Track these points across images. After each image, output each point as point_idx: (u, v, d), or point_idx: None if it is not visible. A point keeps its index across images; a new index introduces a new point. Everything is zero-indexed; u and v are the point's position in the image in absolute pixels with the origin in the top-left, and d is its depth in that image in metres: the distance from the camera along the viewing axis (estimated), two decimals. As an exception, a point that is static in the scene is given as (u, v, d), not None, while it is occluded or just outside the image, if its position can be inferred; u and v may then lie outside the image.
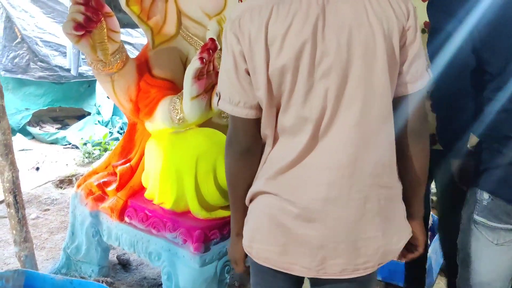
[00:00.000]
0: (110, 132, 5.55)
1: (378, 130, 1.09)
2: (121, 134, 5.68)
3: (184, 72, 2.13)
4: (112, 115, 5.94)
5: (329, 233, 1.09)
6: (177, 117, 1.93)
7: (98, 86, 5.91)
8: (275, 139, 1.14)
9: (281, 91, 1.06)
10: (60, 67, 5.51)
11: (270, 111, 1.10)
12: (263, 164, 1.17)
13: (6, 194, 1.90)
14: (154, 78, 2.11)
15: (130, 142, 2.37)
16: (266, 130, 1.13)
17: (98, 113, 6.01)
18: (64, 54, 5.49)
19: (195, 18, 2.20)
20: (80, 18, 1.78)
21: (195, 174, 1.87)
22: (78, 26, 1.78)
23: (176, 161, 1.89)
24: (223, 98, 1.13)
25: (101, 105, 6.02)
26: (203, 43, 2.16)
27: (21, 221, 1.94)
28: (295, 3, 1.03)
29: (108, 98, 5.96)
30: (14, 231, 1.96)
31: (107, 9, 1.87)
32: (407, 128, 1.16)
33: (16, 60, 5.33)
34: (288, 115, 1.08)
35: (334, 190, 1.07)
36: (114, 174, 2.30)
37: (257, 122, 1.13)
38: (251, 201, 1.20)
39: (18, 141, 5.23)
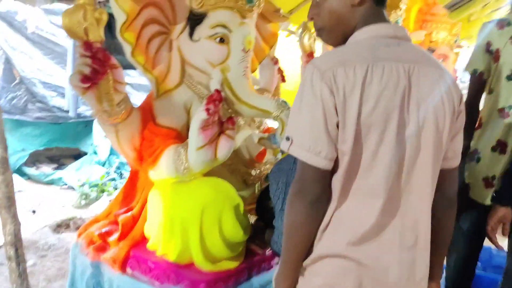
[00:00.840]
0: (107, 173, 5.53)
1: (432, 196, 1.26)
2: (118, 174, 5.66)
3: (188, 121, 2.15)
4: (109, 155, 5.92)
5: None
6: (182, 167, 1.92)
7: (96, 126, 5.93)
8: (342, 197, 1.17)
9: (366, 148, 1.13)
10: (58, 108, 5.53)
11: (350, 167, 1.14)
12: (328, 223, 1.18)
13: (8, 247, 1.86)
14: (158, 126, 2.10)
15: (132, 190, 2.35)
16: (334, 184, 1.17)
17: (95, 152, 6.00)
18: (62, 95, 5.52)
19: (199, 67, 2.22)
20: (87, 70, 1.79)
21: (200, 225, 1.84)
22: (85, 78, 1.79)
23: (181, 212, 1.87)
24: (300, 145, 1.15)
25: (98, 145, 6.01)
26: (207, 91, 2.18)
27: (22, 275, 1.90)
28: (387, 67, 1.13)
29: (106, 137, 5.98)
30: (14, 285, 1.92)
31: (113, 60, 1.89)
32: (442, 194, 1.30)
33: (14, 101, 5.36)
34: (371, 174, 1.13)
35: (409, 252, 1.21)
36: (116, 223, 2.26)
37: (328, 173, 1.17)
38: (315, 261, 1.20)
39: (14, 182, 5.17)
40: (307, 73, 1.17)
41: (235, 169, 2.25)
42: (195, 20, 2.14)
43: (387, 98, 1.11)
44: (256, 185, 2.29)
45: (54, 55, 5.72)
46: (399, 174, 1.15)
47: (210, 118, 1.82)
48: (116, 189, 5.08)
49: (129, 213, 2.22)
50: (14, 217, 1.85)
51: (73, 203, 4.67)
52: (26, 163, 5.74)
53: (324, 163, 1.13)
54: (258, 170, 2.33)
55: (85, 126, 6.10)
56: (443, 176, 1.27)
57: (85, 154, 6.17)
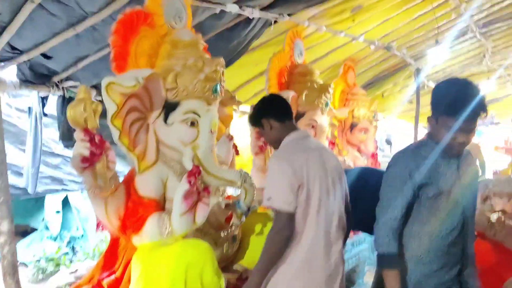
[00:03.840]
0: (59, 247, 5.59)
1: None
2: (70, 248, 5.73)
3: (165, 192, 2.52)
4: (61, 230, 6.00)
5: None
6: (166, 231, 2.27)
7: (47, 202, 6.02)
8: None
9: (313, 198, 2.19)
10: (12, 186, 5.59)
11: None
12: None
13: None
14: (141, 198, 2.45)
15: (114, 255, 2.62)
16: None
17: (47, 228, 6.05)
18: (15, 173, 5.62)
19: (172, 146, 2.60)
20: (86, 153, 2.15)
21: (184, 281, 2.17)
22: (84, 159, 2.14)
23: (168, 271, 2.19)
24: (277, 199, 2.10)
25: (49, 220, 6.08)
26: (179, 166, 2.57)
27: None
28: (312, 153, 2.27)
29: (58, 212, 6.07)
30: None
31: (108, 144, 2.25)
32: None
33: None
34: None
35: None
36: (100, 286, 2.52)
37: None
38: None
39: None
40: (275, 159, 2.22)
41: (207, 232, 2.61)
42: (169, 107, 2.56)
43: (318, 169, 2.15)
44: (225, 245, 2.66)
45: (9, 134, 5.85)
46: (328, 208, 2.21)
47: (191, 189, 2.21)
48: (72, 261, 5.16)
49: (113, 276, 2.50)
50: (17, 284, 2.09)
51: (29, 278, 4.71)
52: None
53: (292, 209, 2.07)
54: (226, 232, 2.70)
55: (35, 202, 6.17)
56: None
57: (33, 230, 6.19)
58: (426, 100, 7.19)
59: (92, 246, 5.73)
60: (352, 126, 5.13)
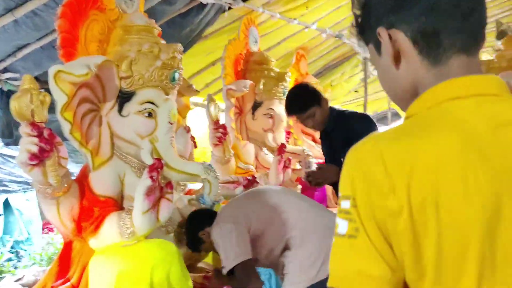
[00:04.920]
0: (1, 253, 5.23)
1: None
2: (13, 253, 5.39)
3: (122, 189, 2.34)
4: (2, 234, 5.62)
5: None
6: (127, 232, 2.10)
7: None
8: None
9: None
10: None
11: None
12: None
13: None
14: (96, 196, 2.26)
15: (67, 261, 2.41)
16: None
17: (-14, 234, 5.65)
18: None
19: (128, 139, 2.42)
20: (35, 149, 1.93)
21: (150, 283, 2.01)
22: (33, 156, 1.93)
23: (132, 273, 2.02)
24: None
25: (-11, 226, 5.69)
26: (136, 161, 2.40)
27: None
28: None
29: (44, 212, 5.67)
30: None
31: (58, 139, 2.05)
32: None
33: None
34: None
35: None
36: (53, 294, 2.31)
37: None
38: None
39: None
40: (227, 227, 2.25)
41: (170, 229, 2.45)
42: (124, 98, 2.38)
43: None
44: (189, 243, 2.51)
45: None
46: None
47: (153, 184, 2.05)
48: (16, 268, 4.84)
49: (68, 283, 2.29)
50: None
51: (-31, 288, 4.35)
52: None
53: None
54: (190, 229, 2.55)
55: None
56: None
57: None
58: (372, 89, 7.25)
59: (38, 250, 5.39)
60: (306, 116, 5.08)
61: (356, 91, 7.88)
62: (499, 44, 3.70)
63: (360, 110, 7.90)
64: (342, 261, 0.71)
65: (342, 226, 0.70)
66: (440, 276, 0.68)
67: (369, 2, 0.81)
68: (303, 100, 2.74)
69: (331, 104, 2.97)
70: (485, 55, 4.81)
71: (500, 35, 3.71)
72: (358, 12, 0.84)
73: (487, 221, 0.66)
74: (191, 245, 2.44)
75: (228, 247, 2.20)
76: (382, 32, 0.78)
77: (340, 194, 0.73)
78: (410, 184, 0.67)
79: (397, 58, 0.79)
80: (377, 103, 8.33)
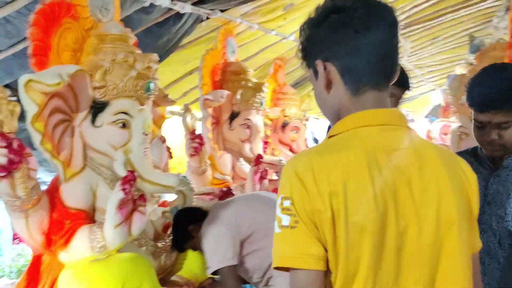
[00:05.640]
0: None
1: None
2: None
3: (94, 201, 2.29)
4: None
5: None
6: (99, 245, 2.05)
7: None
8: None
9: None
10: None
11: None
12: None
13: None
14: (67, 209, 2.20)
15: (36, 275, 2.34)
16: None
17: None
18: None
19: (101, 150, 2.37)
20: (3, 160, 1.88)
21: (121, 298, 1.97)
22: (1, 168, 1.87)
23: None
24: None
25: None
26: (110, 172, 2.35)
27: None
28: None
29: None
30: None
31: (27, 150, 1.99)
32: None
33: None
34: None
35: None
36: (20, 310, 2.24)
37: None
38: None
39: None
40: (220, 230, 2.32)
41: (143, 243, 2.40)
42: (97, 108, 2.33)
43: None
44: (162, 257, 2.46)
45: None
46: None
47: (126, 197, 2.00)
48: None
49: (36, 298, 2.23)
50: None
51: None
52: None
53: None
54: (164, 242, 2.50)
55: None
56: None
57: None
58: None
59: (7, 262, 5.23)
60: (284, 125, 5.09)
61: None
62: (471, 59, 3.77)
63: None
64: (287, 246, 0.93)
65: (285, 219, 0.93)
66: (347, 258, 0.91)
67: (312, 37, 1.03)
68: None
69: (309, 113, 2.94)
70: (458, 68, 4.91)
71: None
72: (303, 43, 1.05)
73: (380, 218, 0.91)
74: (178, 241, 2.48)
75: (217, 249, 2.31)
76: (319, 64, 1.01)
77: (281, 195, 0.95)
78: (331, 190, 0.91)
79: (328, 85, 1.02)
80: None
